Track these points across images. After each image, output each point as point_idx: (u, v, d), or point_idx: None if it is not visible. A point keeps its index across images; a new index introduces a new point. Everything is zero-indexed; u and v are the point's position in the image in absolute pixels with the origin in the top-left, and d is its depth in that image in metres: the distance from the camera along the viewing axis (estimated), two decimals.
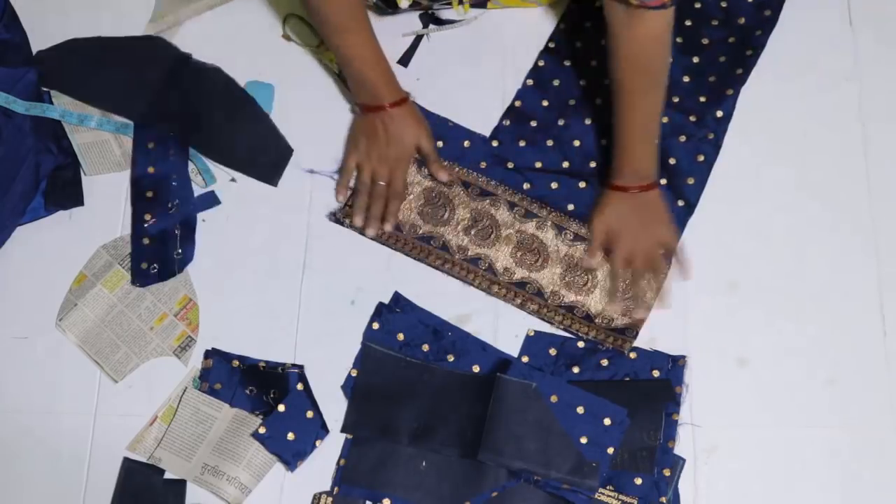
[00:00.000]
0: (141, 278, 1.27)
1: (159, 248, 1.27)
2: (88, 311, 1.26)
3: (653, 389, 1.17)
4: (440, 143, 1.30)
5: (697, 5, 1.35)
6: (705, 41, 1.33)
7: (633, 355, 1.19)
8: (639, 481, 1.13)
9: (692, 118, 1.29)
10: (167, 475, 1.19)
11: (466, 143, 1.31)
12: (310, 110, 1.34)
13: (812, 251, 1.23)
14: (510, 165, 1.29)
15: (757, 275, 1.22)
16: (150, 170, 1.31)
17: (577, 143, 1.30)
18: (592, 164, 1.29)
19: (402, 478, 1.16)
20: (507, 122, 1.32)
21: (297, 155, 1.32)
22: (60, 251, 1.29)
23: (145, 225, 1.29)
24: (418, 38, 1.37)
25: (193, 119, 1.33)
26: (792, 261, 1.23)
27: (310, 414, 1.18)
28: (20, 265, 1.29)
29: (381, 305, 1.24)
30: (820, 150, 1.28)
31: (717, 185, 1.26)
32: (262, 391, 1.21)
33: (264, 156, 1.32)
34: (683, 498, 1.14)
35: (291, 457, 1.17)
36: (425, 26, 1.37)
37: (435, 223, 1.27)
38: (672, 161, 1.26)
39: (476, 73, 1.35)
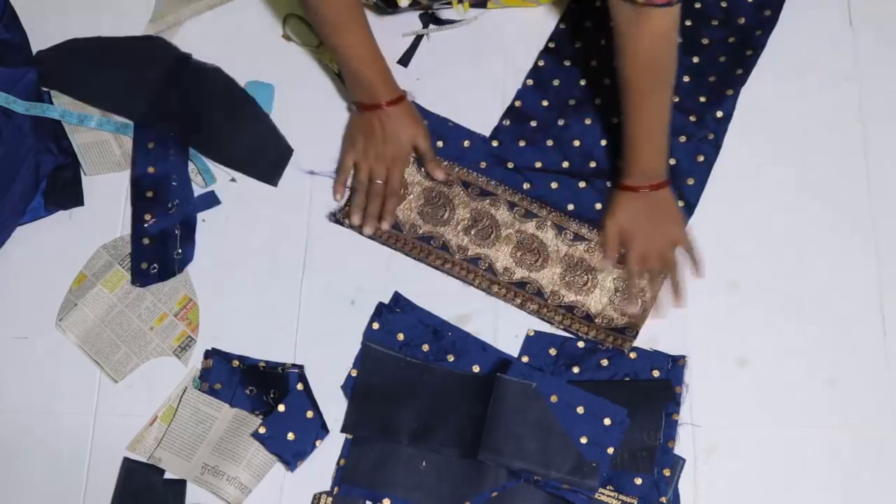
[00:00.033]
0: (141, 278, 1.27)
1: (159, 248, 1.27)
2: (88, 311, 1.26)
3: (653, 389, 1.17)
4: (440, 143, 1.30)
5: (697, 5, 1.35)
6: (705, 41, 1.33)
7: (633, 355, 1.19)
8: (639, 481, 1.13)
9: (692, 118, 1.29)
10: (167, 475, 1.19)
11: (466, 143, 1.31)
12: (310, 110, 1.34)
13: (812, 251, 1.23)
14: (510, 165, 1.29)
15: (757, 275, 1.22)
16: (150, 170, 1.31)
17: (577, 143, 1.30)
18: (592, 164, 1.29)
19: (402, 478, 1.16)
20: (507, 122, 1.32)
21: (297, 155, 1.32)
22: (60, 251, 1.29)
23: (145, 225, 1.29)
24: (418, 38, 1.37)
25: (193, 119, 1.33)
26: (792, 261, 1.23)
27: (310, 414, 1.18)
28: (20, 265, 1.29)
29: (381, 305, 1.24)
30: (820, 150, 1.28)
31: (717, 185, 1.26)
32: (262, 391, 1.21)
33: (264, 156, 1.32)
34: (683, 498, 1.14)
35: (291, 457, 1.17)
36: (425, 26, 1.37)
37: (435, 223, 1.27)
38: (672, 161, 1.26)
39: (476, 73, 1.35)
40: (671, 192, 1.22)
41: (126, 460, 1.20)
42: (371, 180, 1.26)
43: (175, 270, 1.27)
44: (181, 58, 1.36)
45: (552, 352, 1.20)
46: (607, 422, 1.14)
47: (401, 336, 1.22)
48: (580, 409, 1.15)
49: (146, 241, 1.28)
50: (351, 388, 1.20)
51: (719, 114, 1.29)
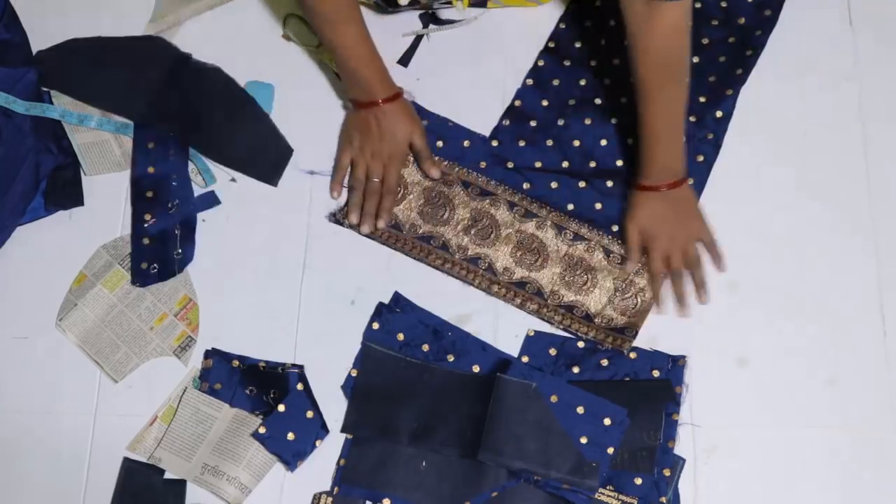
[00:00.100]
0: (141, 278, 1.27)
1: (159, 248, 1.27)
2: (88, 311, 1.26)
3: (653, 389, 1.17)
4: (440, 143, 1.30)
5: (697, 5, 1.35)
6: (705, 41, 1.33)
7: (633, 355, 1.19)
8: (639, 481, 1.13)
9: (692, 118, 1.29)
10: (167, 475, 1.19)
11: (466, 143, 1.31)
12: (310, 110, 1.34)
13: (812, 251, 1.23)
14: (510, 165, 1.29)
15: (757, 275, 1.22)
16: (150, 170, 1.31)
17: (576, 142, 1.30)
18: (592, 164, 1.29)
19: (402, 478, 1.16)
20: (506, 122, 1.32)
21: (297, 155, 1.32)
22: (60, 251, 1.29)
23: (145, 225, 1.29)
24: (418, 38, 1.37)
25: (193, 119, 1.33)
26: (792, 261, 1.23)
27: (310, 414, 1.18)
28: (20, 265, 1.29)
29: (381, 305, 1.24)
30: (820, 150, 1.28)
31: (717, 185, 1.26)
32: (262, 391, 1.21)
33: (264, 156, 1.32)
34: (683, 498, 1.14)
35: (291, 457, 1.17)
36: (425, 26, 1.37)
37: (435, 223, 1.27)
38: None
39: (476, 73, 1.35)
40: (691, 189, 1.21)
41: (126, 460, 1.20)
42: (368, 178, 1.26)
43: (175, 270, 1.27)
44: (181, 58, 1.36)
45: (552, 352, 1.20)
46: (607, 422, 1.14)
47: (401, 336, 1.22)
48: (580, 409, 1.15)
49: (146, 241, 1.28)
50: (351, 388, 1.20)
51: (719, 114, 1.29)
